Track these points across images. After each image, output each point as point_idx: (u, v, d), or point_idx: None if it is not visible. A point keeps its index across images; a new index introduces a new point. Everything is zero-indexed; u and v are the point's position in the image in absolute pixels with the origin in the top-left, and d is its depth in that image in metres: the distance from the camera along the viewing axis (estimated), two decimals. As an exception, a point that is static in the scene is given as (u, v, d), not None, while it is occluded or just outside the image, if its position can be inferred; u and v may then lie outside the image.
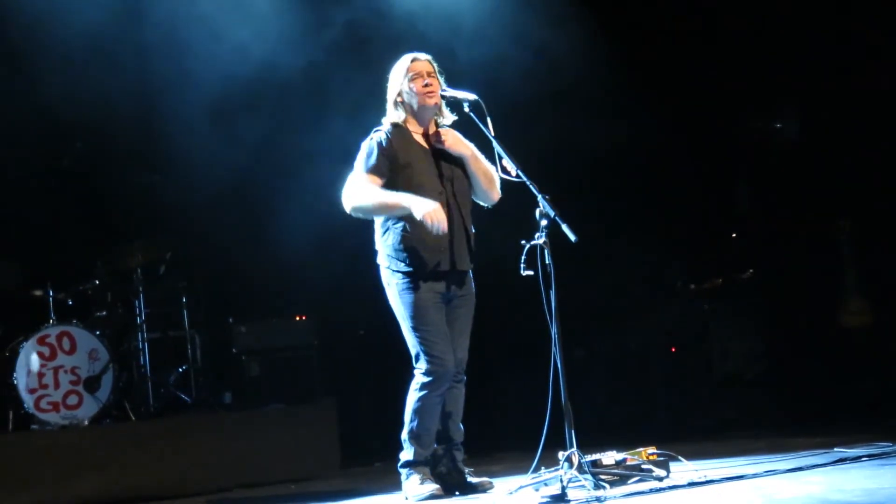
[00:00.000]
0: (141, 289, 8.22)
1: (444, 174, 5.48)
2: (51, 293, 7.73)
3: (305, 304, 8.49)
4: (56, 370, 7.41)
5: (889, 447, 5.58)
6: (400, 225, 5.39)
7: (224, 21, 7.82)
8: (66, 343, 7.50)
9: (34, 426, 7.31)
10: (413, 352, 5.41)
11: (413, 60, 5.52)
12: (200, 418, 7.73)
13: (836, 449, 5.68)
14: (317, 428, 7.48)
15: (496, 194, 5.57)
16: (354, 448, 7.72)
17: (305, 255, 8.21)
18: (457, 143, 5.53)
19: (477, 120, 5.37)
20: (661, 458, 5.27)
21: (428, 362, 5.34)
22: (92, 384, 7.46)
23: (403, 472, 5.49)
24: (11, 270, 7.82)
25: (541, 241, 5.06)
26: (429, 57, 5.56)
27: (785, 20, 8.76)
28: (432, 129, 5.56)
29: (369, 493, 6.14)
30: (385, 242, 5.46)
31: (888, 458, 5.36)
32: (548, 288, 5.04)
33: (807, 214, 9.17)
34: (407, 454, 5.46)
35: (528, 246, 5.06)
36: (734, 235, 9.76)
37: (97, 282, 7.94)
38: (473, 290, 5.56)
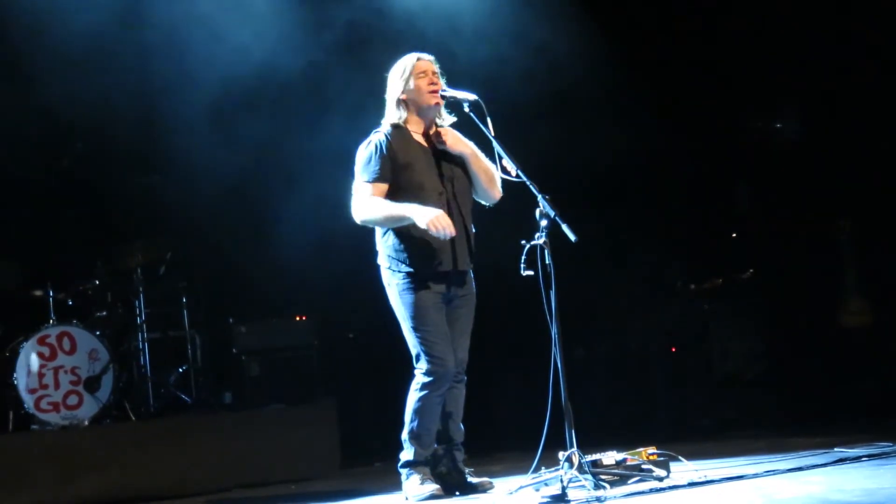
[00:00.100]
0: (141, 289, 8.22)
1: (445, 174, 5.48)
2: (51, 293, 7.73)
3: (305, 304, 8.49)
4: (56, 370, 7.41)
5: (889, 447, 5.58)
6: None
7: (224, 22, 7.81)
8: (66, 343, 7.50)
9: (34, 426, 7.31)
10: (413, 352, 5.41)
11: (418, 59, 5.52)
12: (200, 418, 7.73)
13: (836, 449, 5.68)
14: (317, 428, 7.48)
15: (497, 193, 5.57)
16: (354, 448, 7.72)
17: (305, 256, 8.21)
18: (457, 142, 5.53)
19: (477, 120, 5.37)
20: (662, 458, 5.28)
21: (428, 362, 5.34)
22: (92, 384, 7.46)
23: (403, 472, 5.49)
24: (11, 270, 7.82)
25: (541, 241, 5.06)
26: (432, 57, 5.56)
27: (785, 20, 8.76)
28: (432, 130, 5.56)
29: (369, 493, 6.14)
30: (385, 243, 5.46)
31: (888, 458, 5.36)
32: (548, 288, 5.05)
33: (807, 214, 9.16)
34: (407, 454, 5.46)
35: (528, 246, 5.07)
36: (734, 235, 9.76)
37: (97, 282, 7.94)
38: (474, 290, 5.56)
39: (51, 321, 7.57)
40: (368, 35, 8.19)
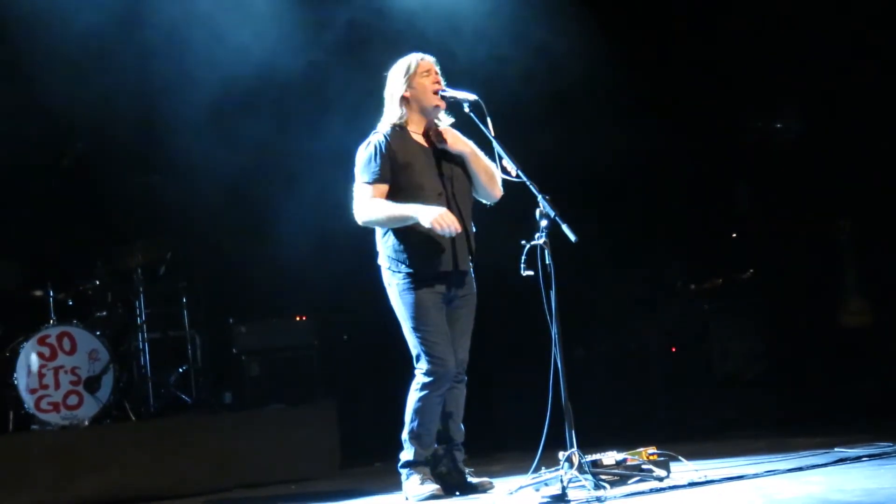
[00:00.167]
0: (141, 289, 8.23)
1: (445, 174, 5.48)
2: (51, 293, 7.74)
3: (305, 304, 8.49)
4: (56, 370, 7.42)
5: (889, 447, 5.58)
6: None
7: (223, 22, 7.82)
8: (66, 343, 7.50)
9: (34, 426, 7.32)
10: (414, 352, 5.41)
11: (422, 58, 5.52)
12: (200, 418, 7.73)
13: (836, 449, 5.68)
14: (317, 428, 7.48)
15: (498, 191, 5.56)
16: (354, 448, 7.72)
17: (305, 256, 8.21)
18: (456, 141, 5.53)
19: (477, 120, 5.37)
20: (662, 458, 5.27)
21: (429, 363, 5.34)
22: (92, 384, 7.47)
23: (404, 472, 5.49)
24: (12, 270, 7.82)
25: (541, 241, 5.06)
26: (434, 59, 5.56)
27: (785, 20, 8.76)
28: (431, 130, 5.55)
29: (369, 493, 6.14)
30: (386, 244, 5.46)
31: (888, 458, 5.36)
32: (548, 288, 5.05)
33: (807, 214, 9.17)
34: (407, 454, 5.46)
35: (528, 246, 5.07)
36: (734, 235, 9.76)
37: (97, 282, 7.95)
38: (475, 291, 5.55)
39: (51, 321, 7.58)
40: (368, 35, 8.19)
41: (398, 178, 5.40)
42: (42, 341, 7.43)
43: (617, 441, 6.01)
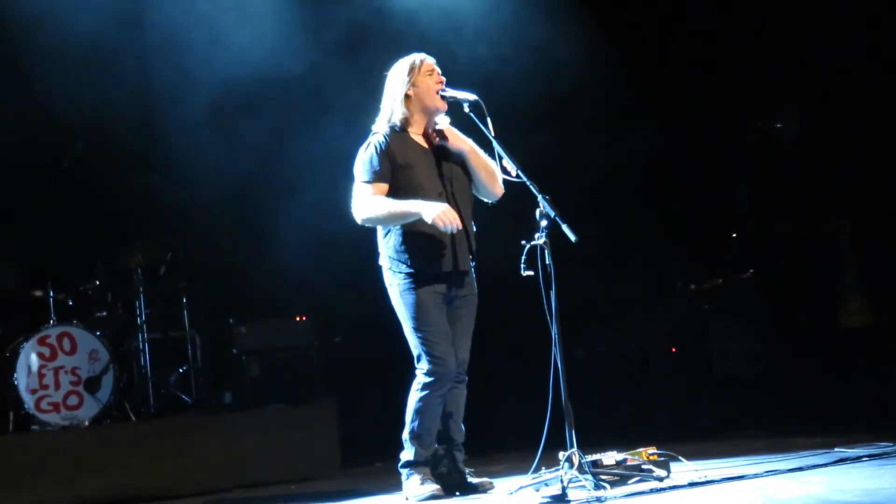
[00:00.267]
0: (141, 289, 8.23)
1: (444, 174, 5.48)
2: (51, 293, 7.74)
3: (305, 304, 8.49)
4: (56, 370, 7.41)
5: (889, 447, 5.58)
6: (401, 226, 5.39)
7: (223, 23, 7.82)
8: (66, 343, 7.50)
9: (35, 427, 7.31)
10: (415, 352, 5.41)
11: (425, 59, 5.51)
12: (201, 418, 7.73)
13: (836, 449, 5.68)
14: (317, 428, 7.48)
15: (499, 189, 5.55)
16: (355, 448, 7.72)
17: (305, 256, 8.21)
18: (456, 139, 5.52)
19: (477, 120, 5.37)
20: (662, 459, 5.28)
21: (430, 363, 5.34)
22: (92, 385, 7.46)
23: (404, 472, 5.49)
24: (12, 270, 7.82)
25: (541, 241, 5.06)
26: (434, 60, 5.55)
27: (785, 20, 8.76)
28: (431, 133, 5.55)
29: (370, 493, 6.14)
30: (387, 244, 5.46)
31: (888, 458, 5.37)
32: (548, 288, 5.05)
33: (807, 214, 9.16)
34: (408, 454, 5.46)
35: (528, 246, 5.07)
36: (734, 235, 9.76)
37: (97, 282, 7.94)
38: (475, 291, 5.55)
39: (51, 321, 7.58)
40: (368, 35, 8.19)
41: (398, 178, 5.40)
42: (42, 341, 7.42)
43: (617, 441, 6.01)
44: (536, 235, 5.08)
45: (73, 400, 7.42)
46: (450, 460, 5.51)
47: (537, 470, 5.16)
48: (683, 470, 5.28)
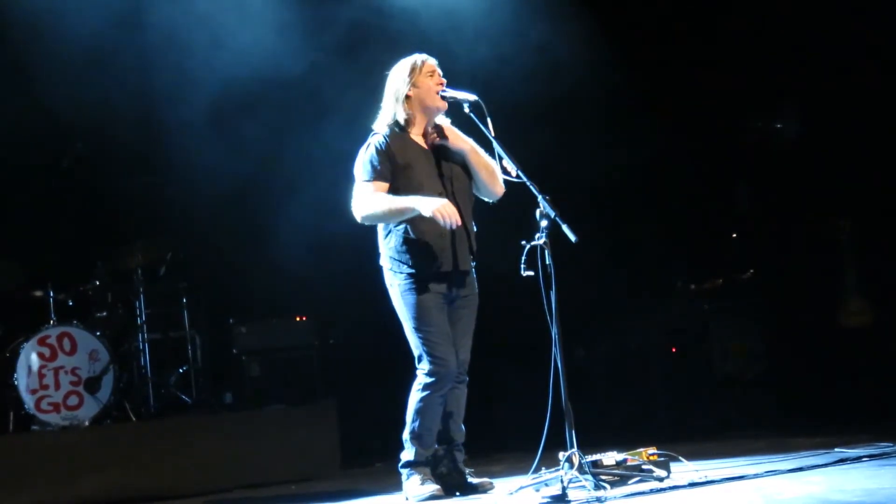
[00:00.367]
0: (141, 289, 8.23)
1: (444, 174, 5.48)
2: (51, 294, 7.74)
3: (305, 304, 8.49)
4: (56, 371, 7.42)
5: (889, 447, 5.58)
6: (402, 227, 5.40)
7: (223, 24, 7.82)
8: (66, 344, 7.50)
9: (35, 427, 7.32)
10: (416, 353, 5.41)
11: (426, 59, 5.51)
12: (201, 419, 7.73)
13: (836, 449, 5.68)
14: (317, 428, 7.48)
15: (499, 188, 5.55)
16: (355, 448, 7.72)
17: (305, 256, 8.21)
18: (456, 138, 5.52)
19: (477, 120, 5.37)
20: (662, 459, 5.28)
21: (431, 363, 5.34)
22: (92, 385, 7.47)
23: (404, 472, 5.49)
24: (12, 271, 7.82)
25: (541, 241, 5.06)
26: (436, 61, 5.55)
27: (785, 20, 8.76)
28: (431, 131, 5.55)
29: (370, 493, 6.14)
30: (387, 244, 5.46)
31: (888, 458, 5.36)
32: (548, 288, 5.05)
33: (807, 214, 9.16)
34: (408, 454, 5.46)
35: (528, 246, 5.07)
36: (734, 235, 9.76)
37: (97, 282, 7.94)
38: (476, 291, 5.55)
39: (51, 322, 7.58)
40: (368, 35, 8.19)
41: (398, 178, 5.40)
42: (42, 342, 7.43)
43: (617, 441, 6.01)
44: (536, 236, 5.08)
45: (73, 400, 7.42)
46: (450, 460, 5.51)
47: (537, 470, 5.16)
48: (683, 470, 5.28)
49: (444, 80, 5.50)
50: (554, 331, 5.06)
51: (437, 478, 5.46)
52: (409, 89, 5.48)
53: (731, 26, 8.97)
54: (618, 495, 4.82)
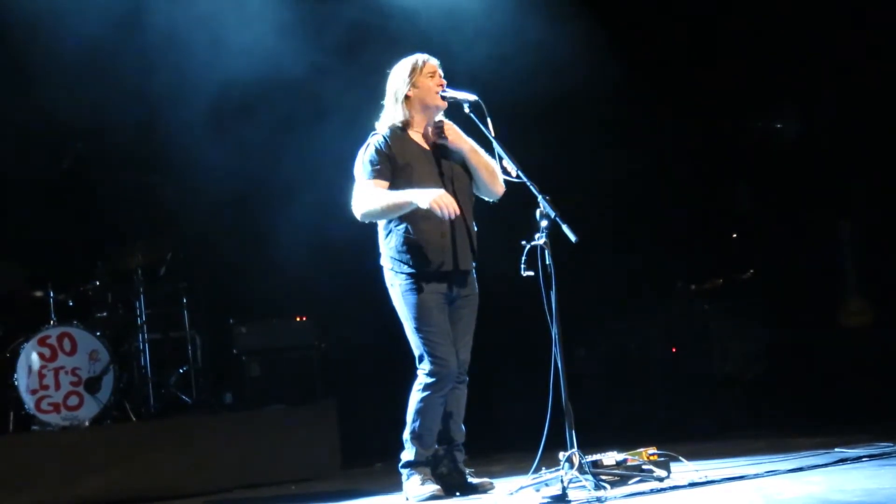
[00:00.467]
0: (141, 289, 8.22)
1: (445, 173, 5.48)
2: (51, 294, 7.74)
3: (305, 304, 8.49)
4: (57, 371, 7.41)
5: (889, 447, 5.58)
6: (402, 226, 5.40)
7: (223, 25, 7.82)
8: (66, 344, 7.50)
9: (35, 427, 7.32)
10: (417, 353, 5.41)
11: (427, 60, 5.51)
12: (201, 419, 7.73)
13: (836, 449, 5.68)
14: (317, 428, 7.49)
15: (500, 187, 5.55)
16: (355, 448, 7.72)
17: (305, 256, 8.22)
18: (457, 138, 5.51)
19: (477, 120, 5.37)
20: (662, 459, 5.27)
21: (431, 363, 5.34)
22: (92, 385, 7.46)
23: (404, 472, 5.49)
24: (12, 271, 7.82)
25: (541, 241, 5.06)
26: (438, 61, 5.55)
27: (785, 20, 8.76)
28: (431, 130, 5.55)
29: (370, 493, 6.14)
30: (388, 244, 5.46)
31: (888, 458, 5.36)
32: (548, 288, 5.05)
33: (807, 214, 9.17)
34: (408, 454, 5.46)
35: (528, 247, 5.07)
36: (734, 235, 9.77)
37: (98, 282, 7.95)
38: (477, 291, 5.55)
39: (51, 322, 7.58)
40: (368, 36, 8.19)
41: (398, 178, 5.40)
42: (42, 342, 7.42)
43: (617, 441, 6.01)
44: (537, 236, 5.08)
45: (73, 400, 7.42)
46: (450, 460, 5.51)
47: (538, 470, 5.16)
48: (684, 470, 5.28)
49: (445, 82, 5.50)
50: (554, 331, 5.06)
51: (438, 478, 5.45)
52: (408, 90, 5.48)
53: (731, 26, 8.97)
54: (618, 495, 4.82)
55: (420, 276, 5.37)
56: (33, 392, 7.32)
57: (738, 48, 8.99)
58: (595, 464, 5.06)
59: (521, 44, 8.23)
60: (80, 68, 7.72)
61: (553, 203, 5.08)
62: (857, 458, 5.39)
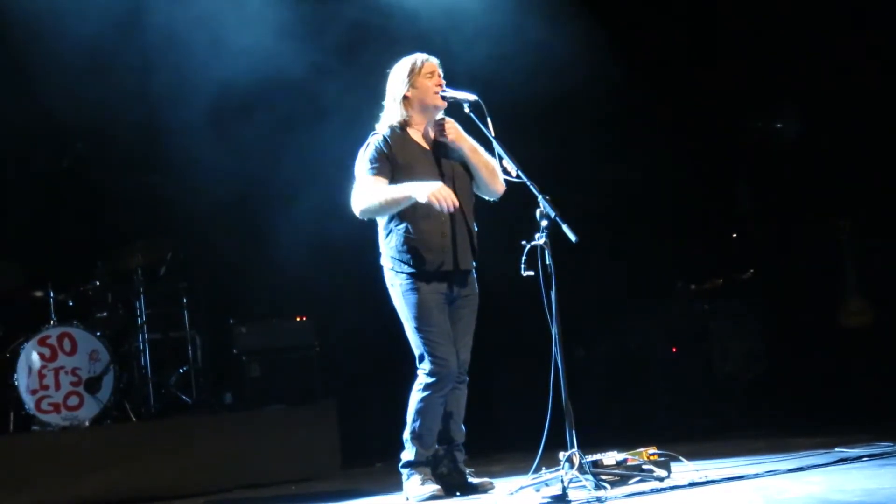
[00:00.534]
0: (141, 289, 8.22)
1: (445, 173, 5.48)
2: (51, 294, 7.74)
3: (305, 304, 8.49)
4: (57, 371, 7.41)
5: (889, 447, 5.58)
6: (403, 226, 5.40)
7: (223, 25, 7.82)
8: (66, 344, 7.50)
9: (35, 427, 7.32)
10: (417, 352, 5.41)
11: (426, 59, 5.51)
12: (201, 419, 7.73)
13: (836, 449, 5.68)
14: (317, 428, 7.49)
15: (500, 186, 5.55)
16: (355, 448, 7.72)
17: (305, 256, 8.22)
18: (459, 136, 5.51)
19: (477, 120, 5.37)
20: (662, 459, 5.28)
21: (432, 363, 5.34)
22: (93, 385, 7.46)
23: (404, 472, 5.49)
24: (12, 271, 7.82)
25: (541, 241, 5.06)
26: (437, 60, 5.55)
27: (785, 20, 8.76)
28: (431, 130, 5.55)
29: (370, 493, 6.14)
30: (388, 244, 5.46)
31: (889, 458, 5.36)
32: (548, 288, 5.05)
33: (807, 214, 9.17)
34: (408, 454, 5.46)
35: (528, 246, 5.07)
36: (734, 235, 9.76)
37: (98, 282, 7.94)
38: (477, 291, 5.55)
39: (51, 322, 7.58)
40: (368, 36, 8.19)
41: (398, 178, 5.40)
42: (42, 342, 7.42)
43: (617, 441, 6.01)
44: (537, 236, 5.08)
45: (73, 400, 7.42)
46: (450, 460, 5.51)
47: (538, 470, 5.16)
48: (684, 470, 5.28)
49: (444, 82, 5.49)
50: (554, 331, 5.06)
51: (438, 478, 5.46)
52: (407, 90, 5.48)
53: (731, 26, 8.97)
54: (618, 495, 4.82)
55: (420, 276, 5.37)
56: (33, 392, 7.32)
57: (738, 48, 8.99)
58: (595, 464, 5.06)
59: (521, 44, 8.23)
60: (81, 68, 7.72)
61: (553, 203, 5.08)
62: (857, 458, 5.39)
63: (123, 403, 7.69)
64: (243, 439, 7.30)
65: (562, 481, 4.86)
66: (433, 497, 5.34)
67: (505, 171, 5.45)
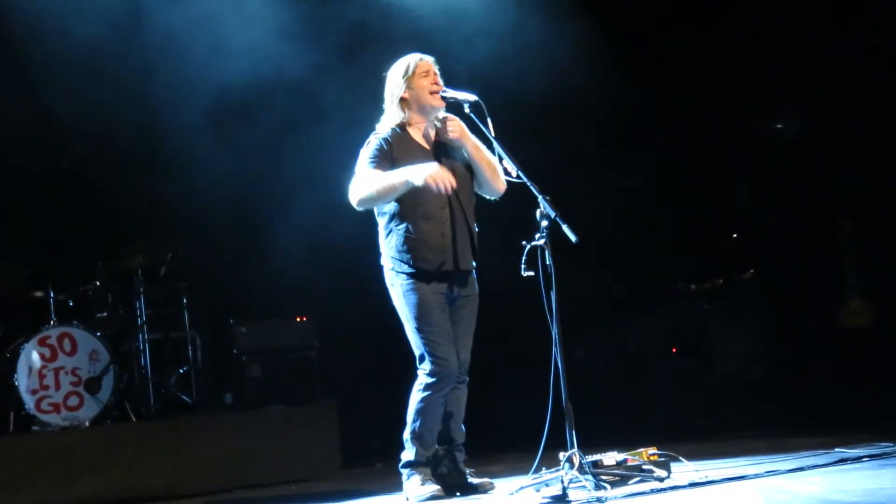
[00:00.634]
0: (141, 290, 8.23)
1: (446, 174, 5.48)
2: (52, 294, 7.74)
3: (305, 304, 8.49)
4: (57, 371, 7.42)
5: (889, 447, 5.57)
6: (403, 226, 5.40)
7: (223, 26, 7.83)
8: (66, 344, 7.50)
9: (35, 427, 7.32)
10: (417, 352, 5.41)
11: (421, 59, 5.51)
12: (201, 419, 7.74)
13: (836, 449, 5.68)
14: (317, 429, 7.49)
15: (501, 185, 5.54)
16: (355, 448, 7.73)
17: (305, 256, 8.22)
18: (463, 134, 5.50)
19: (477, 121, 5.37)
20: (662, 459, 5.27)
21: (432, 363, 5.34)
22: (93, 385, 7.47)
23: (405, 472, 5.49)
24: (12, 272, 7.82)
25: (541, 241, 5.06)
26: (433, 59, 5.55)
27: (785, 20, 8.76)
28: (432, 130, 5.55)
29: (370, 493, 6.14)
30: (388, 244, 5.46)
31: (889, 458, 5.36)
32: (548, 288, 5.05)
33: (807, 214, 9.16)
34: (408, 454, 5.46)
35: (528, 247, 5.07)
36: (734, 235, 9.76)
37: (98, 283, 7.95)
38: (477, 291, 5.55)
39: (51, 322, 7.58)
40: (368, 37, 8.19)
41: (398, 178, 5.40)
42: (43, 342, 7.43)
43: (617, 441, 6.01)
44: (537, 236, 5.08)
45: (73, 400, 7.43)
46: (450, 461, 5.51)
47: (538, 470, 5.16)
48: (684, 470, 5.28)
49: (440, 80, 5.49)
50: (554, 331, 5.06)
51: (438, 478, 5.46)
52: (403, 91, 5.48)
53: (731, 26, 8.97)
54: (618, 495, 4.82)
55: (420, 276, 5.37)
56: (33, 392, 7.32)
57: (738, 48, 8.99)
58: (595, 464, 5.06)
59: (522, 44, 8.23)
60: (81, 69, 7.73)
61: (553, 203, 5.08)
62: (857, 458, 5.39)
63: (123, 403, 7.69)
64: (243, 439, 7.31)
65: (562, 481, 4.86)
66: (433, 497, 5.34)
67: (505, 172, 5.45)
